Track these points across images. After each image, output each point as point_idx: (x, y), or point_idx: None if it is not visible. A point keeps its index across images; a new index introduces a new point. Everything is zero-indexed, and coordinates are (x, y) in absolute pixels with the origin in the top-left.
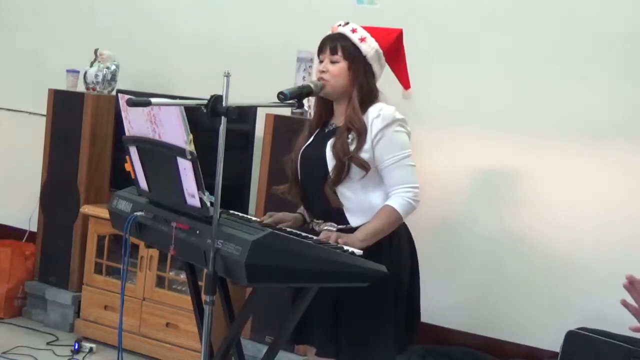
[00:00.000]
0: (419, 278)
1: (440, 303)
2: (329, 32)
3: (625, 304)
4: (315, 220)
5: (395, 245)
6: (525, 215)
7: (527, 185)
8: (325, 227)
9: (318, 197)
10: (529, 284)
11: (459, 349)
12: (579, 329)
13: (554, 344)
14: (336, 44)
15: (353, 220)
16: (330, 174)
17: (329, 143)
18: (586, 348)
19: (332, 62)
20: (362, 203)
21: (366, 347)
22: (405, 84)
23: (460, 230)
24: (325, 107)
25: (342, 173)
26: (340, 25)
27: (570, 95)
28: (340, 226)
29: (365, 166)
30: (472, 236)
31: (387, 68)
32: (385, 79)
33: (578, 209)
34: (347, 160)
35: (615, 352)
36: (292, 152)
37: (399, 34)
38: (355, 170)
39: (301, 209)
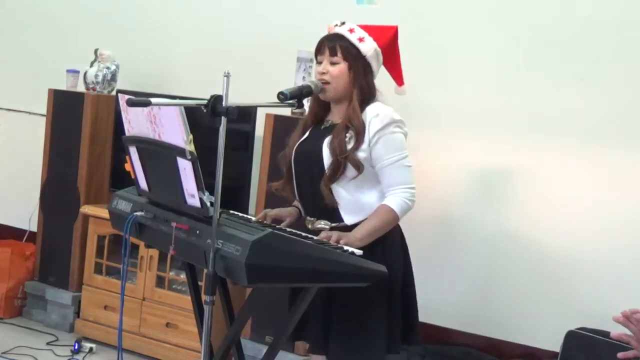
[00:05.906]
0: (413, 279)
1: (440, 303)
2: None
3: (619, 338)
4: (308, 218)
5: (389, 246)
6: (525, 215)
7: (526, 185)
8: (319, 225)
9: (313, 193)
10: (529, 284)
11: (459, 349)
12: (579, 329)
13: (554, 344)
14: (335, 44)
15: (347, 219)
16: (326, 171)
17: (327, 140)
18: (586, 348)
19: (332, 64)
20: (356, 202)
21: (355, 346)
22: (399, 81)
23: (461, 229)
24: (321, 105)
25: (337, 171)
26: (336, 25)
27: (570, 94)
28: (333, 224)
29: (359, 167)
30: (473, 236)
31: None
32: (381, 75)
33: (578, 209)
34: (343, 159)
35: (615, 352)
36: (286, 148)
37: (395, 31)
38: (350, 170)
39: (295, 202)
